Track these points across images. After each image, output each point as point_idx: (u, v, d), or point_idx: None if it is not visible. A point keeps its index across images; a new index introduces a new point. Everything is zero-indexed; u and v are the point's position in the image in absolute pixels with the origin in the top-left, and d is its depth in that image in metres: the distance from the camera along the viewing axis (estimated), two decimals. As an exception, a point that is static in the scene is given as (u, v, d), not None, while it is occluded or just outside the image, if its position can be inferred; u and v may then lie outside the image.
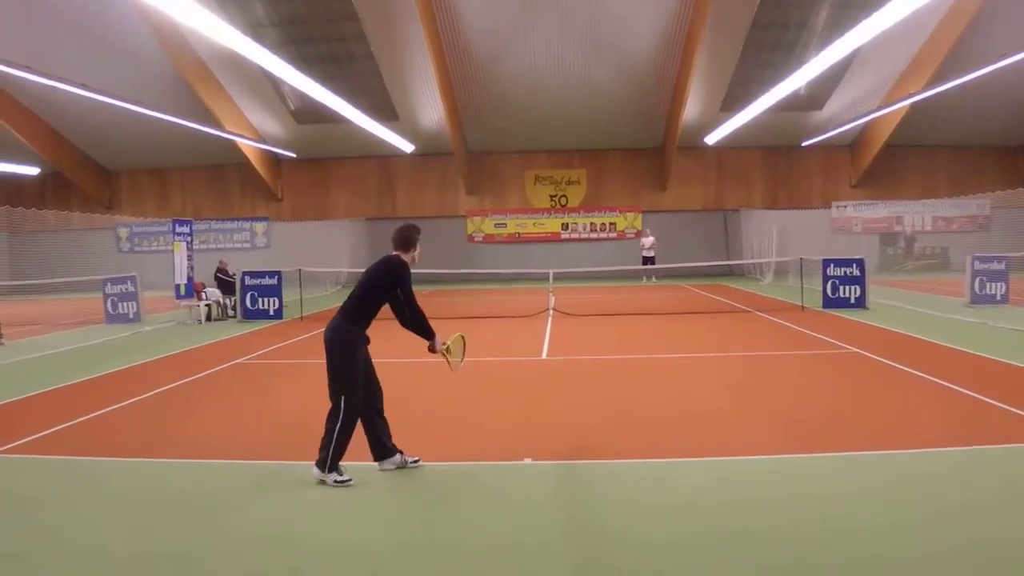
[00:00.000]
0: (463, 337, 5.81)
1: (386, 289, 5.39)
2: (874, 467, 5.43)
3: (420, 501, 4.97)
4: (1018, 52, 15.40)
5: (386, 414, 5.54)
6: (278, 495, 5.12)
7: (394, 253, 5.52)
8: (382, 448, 5.48)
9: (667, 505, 4.79)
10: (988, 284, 15.59)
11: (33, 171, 27.79)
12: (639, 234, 29.71)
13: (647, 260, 26.77)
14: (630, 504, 4.82)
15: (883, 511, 4.52)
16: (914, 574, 3.78)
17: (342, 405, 5.22)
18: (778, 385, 8.60)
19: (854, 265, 16.01)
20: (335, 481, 5.19)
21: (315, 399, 8.39)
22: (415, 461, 5.56)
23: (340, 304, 5.50)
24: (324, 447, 5.21)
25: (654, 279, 27.06)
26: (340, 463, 5.25)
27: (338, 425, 5.20)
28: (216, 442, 6.53)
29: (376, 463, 5.49)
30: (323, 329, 5.42)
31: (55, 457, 6.13)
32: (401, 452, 5.54)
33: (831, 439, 6.16)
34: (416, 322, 5.46)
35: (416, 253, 5.59)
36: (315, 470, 5.25)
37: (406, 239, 5.55)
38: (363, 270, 5.69)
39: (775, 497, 4.85)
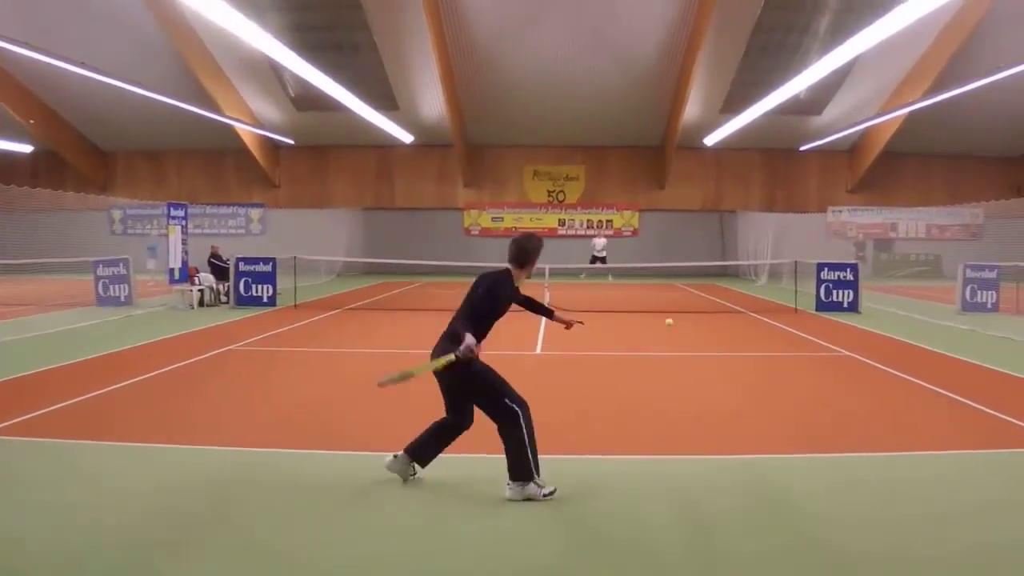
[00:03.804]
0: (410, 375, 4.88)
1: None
2: (865, 468, 5.46)
3: (419, 500, 4.89)
4: (1016, 65, 15.44)
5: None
6: (270, 485, 5.10)
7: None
8: (423, 451, 5.10)
9: (665, 501, 4.79)
10: (979, 292, 15.68)
11: (26, 149, 27.56)
12: (635, 232, 29.79)
13: (597, 259, 27.04)
14: (629, 500, 4.83)
15: (875, 513, 4.52)
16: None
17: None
18: (771, 385, 8.61)
19: (848, 269, 16.12)
20: (544, 495, 4.73)
21: (308, 388, 8.41)
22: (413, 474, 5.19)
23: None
24: (520, 457, 4.73)
25: (610, 278, 27.41)
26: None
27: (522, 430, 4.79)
28: (206, 429, 6.49)
29: (395, 455, 5.10)
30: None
31: (42, 440, 6.07)
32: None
33: (821, 440, 6.18)
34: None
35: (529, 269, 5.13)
36: (514, 488, 4.74)
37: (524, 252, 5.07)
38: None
39: (772, 495, 4.87)
